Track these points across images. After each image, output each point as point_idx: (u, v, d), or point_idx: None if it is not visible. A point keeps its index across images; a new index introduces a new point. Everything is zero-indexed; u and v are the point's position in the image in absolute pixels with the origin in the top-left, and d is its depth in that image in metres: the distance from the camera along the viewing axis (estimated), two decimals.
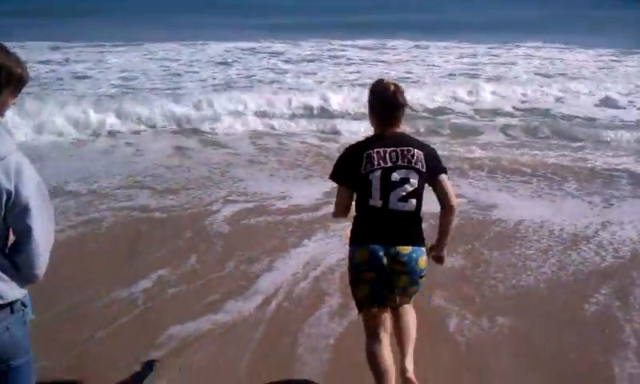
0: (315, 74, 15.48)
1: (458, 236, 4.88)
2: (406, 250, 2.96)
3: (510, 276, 4.91)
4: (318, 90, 12.49)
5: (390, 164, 2.98)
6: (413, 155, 3.01)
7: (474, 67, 17.10)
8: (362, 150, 3.05)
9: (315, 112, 11.24)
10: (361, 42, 21.72)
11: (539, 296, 4.64)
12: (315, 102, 11.51)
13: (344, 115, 11.11)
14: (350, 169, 3.05)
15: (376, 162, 2.98)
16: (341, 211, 3.15)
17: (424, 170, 3.01)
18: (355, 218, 3.11)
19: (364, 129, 8.06)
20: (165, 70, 15.25)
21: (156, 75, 14.51)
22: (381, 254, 2.94)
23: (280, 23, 28.82)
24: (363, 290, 3.05)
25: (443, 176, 3.09)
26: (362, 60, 18.18)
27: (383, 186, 2.96)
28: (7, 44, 1.99)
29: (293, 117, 10.88)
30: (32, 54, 15.38)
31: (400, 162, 2.99)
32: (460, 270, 4.96)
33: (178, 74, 14.79)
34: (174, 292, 4.49)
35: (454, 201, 3.10)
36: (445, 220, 3.12)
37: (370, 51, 20.21)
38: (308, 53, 19.29)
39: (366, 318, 3.08)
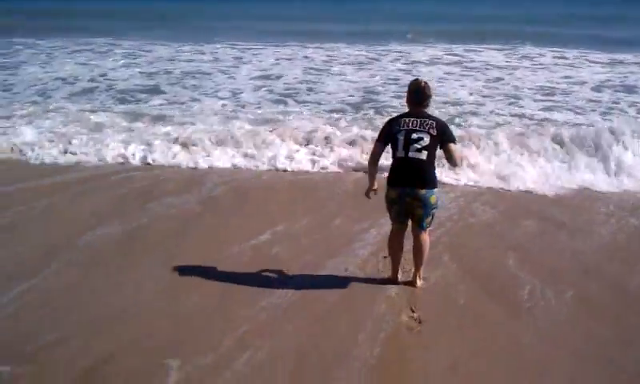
0: None
1: None
2: (422, 191, 4.44)
3: None
4: None
5: (411, 127, 4.47)
6: (427, 124, 4.47)
7: None
8: (394, 119, 4.62)
9: None
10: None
11: None
12: None
13: None
14: (387, 131, 4.59)
15: (402, 126, 4.50)
16: (372, 158, 4.68)
17: (435, 134, 4.45)
18: (391, 165, 4.57)
19: None
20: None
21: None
22: (404, 193, 4.48)
23: None
24: (393, 213, 4.67)
25: (451, 144, 4.51)
26: None
27: (405, 142, 4.43)
28: None
29: None
30: None
31: (418, 127, 4.46)
32: None
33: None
34: None
35: (459, 162, 4.68)
36: (452, 162, 4.61)
37: None
38: None
39: (393, 227, 4.78)
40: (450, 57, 18.47)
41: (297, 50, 19.96)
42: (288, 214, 6.42)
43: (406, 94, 4.71)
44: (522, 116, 10.91)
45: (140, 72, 15.77)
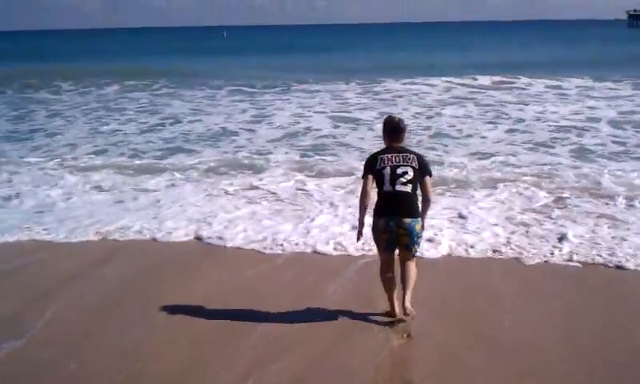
0: None
1: None
2: (407, 220, 4.71)
3: None
4: None
5: (395, 163, 4.75)
6: (409, 158, 4.79)
7: None
8: (377, 155, 4.88)
9: None
10: None
11: None
12: None
13: None
14: (371, 168, 4.82)
15: (386, 163, 4.77)
16: (365, 196, 4.82)
17: (417, 167, 4.76)
18: (376, 201, 4.81)
19: None
20: None
21: None
22: (391, 224, 4.72)
23: None
24: (382, 243, 4.86)
25: (427, 178, 4.82)
26: None
27: (392, 176, 4.71)
28: None
29: None
30: None
31: (402, 162, 4.74)
32: None
33: None
34: None
35: (431, 196, 4.86)
36: (424, 205, 4.85)
37: None
38: None
39: (382, 259, 4.97)
40: None
41: None
42: None
43: (382, 130, 5.03)
44: None
45: None
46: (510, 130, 14.35)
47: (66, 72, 28.83)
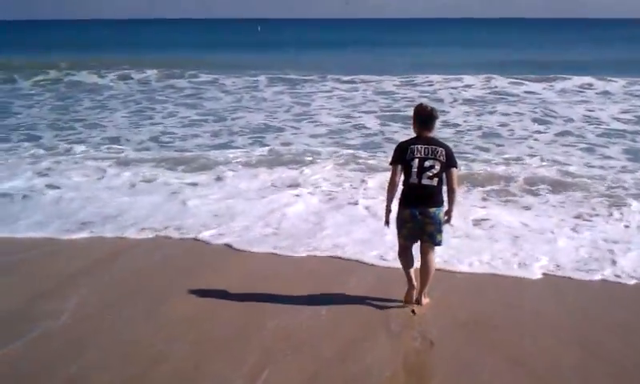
0: None
1: None
2: (432, 209, 4.81)
3: None
4: None
5: (423, 155, 4.77)
6: (438, 151, 4.79)
7: None
8: (407, 144, 4.88)
9: None
10: None
11: None
12: None
13: None
14: (400, 156, 4.85)
15: (415, 154, 4.78)
16: (393, 184, 4.88)
17: (444, 161, 4.78)
18: (402, 190, 4.90)
19: None
20: None
21: None
22: (416, 213, 4.82)
23: None
24: (404, 232, 4.96)
25: (453, 169, 4.83)
26: None
27: (419, 169, 4.75)
28: None
29: None
30: None
31: (430, 155, 4.77)
32: None
33: None
34: None
35: (456, 187, 4.86)
36: (450, 197, 4.88)
37: None
38: None
39: (401, 245, 5.07)
40: None
41: None
42: None
43: (412, 118, 5.01)
44: None
45: None
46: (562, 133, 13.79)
47: (110, 62, 29.23)
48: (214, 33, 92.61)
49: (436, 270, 5.16)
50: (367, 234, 7.01)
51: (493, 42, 58.18)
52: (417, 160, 4.74)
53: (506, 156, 11.26)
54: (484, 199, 8.55)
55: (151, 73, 26.39)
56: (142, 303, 5.40)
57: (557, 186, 9.04)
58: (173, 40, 65.70)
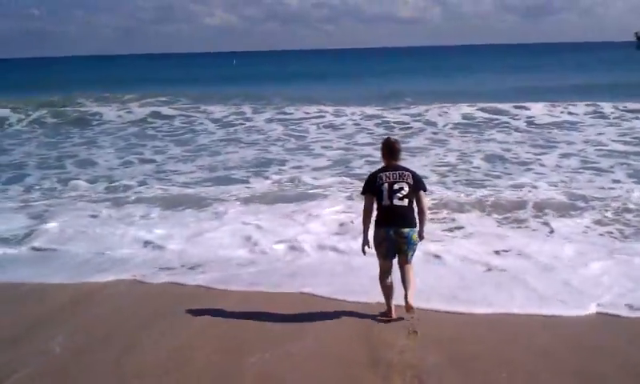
0: None
1: None
2: (405, 230, 5.24)
3: None
4: None
5: (392, 180, 5.30)
6: (405, 175, 5.34)
7: None
8: (376, 174, 5.42)
9: None
10: None
11: None
12: None
13: None
14: (371, 186, 5.38)
15: (384, 180, 5.32)
16: (367, 212, 5.37)
17: (412, 183, 5.32)
18: (377, 214, 5.34)
19: None
20: None
21: None
22: (391, 232, 5.24)
23: None
24: (382, 250, 5.35)
25: (422, 192, 5.37)
26: None
27: (389, 192, 5.25)
28: None
29: None
30: None
31: (398, 179, 5.30)
32: None
33: None
34: None
35: (425, 208, 5.38)
36: (420, 217, 5.35)
37: None
38: None
39: (381, 265, 5.45)
40: None
41: None
42: None
43: (381, 151, 5.60)
44: None
45: None
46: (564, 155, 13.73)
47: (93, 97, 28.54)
48: (187, 67, 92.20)
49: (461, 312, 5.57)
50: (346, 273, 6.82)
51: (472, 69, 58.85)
52: (386, 184, 5.27)
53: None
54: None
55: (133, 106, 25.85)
56: (112, 350, 5.05)
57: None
58: (146, 75, 64.89)
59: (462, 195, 10.11)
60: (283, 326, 5.49)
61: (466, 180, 11.65)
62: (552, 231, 8.15)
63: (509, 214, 8.99)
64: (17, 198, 11.20)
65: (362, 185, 5.58)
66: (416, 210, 5.34)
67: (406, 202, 5.24)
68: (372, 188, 5.38)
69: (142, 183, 12.30)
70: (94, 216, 9.58)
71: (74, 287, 6.65)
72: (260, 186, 11.65)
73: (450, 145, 15.84)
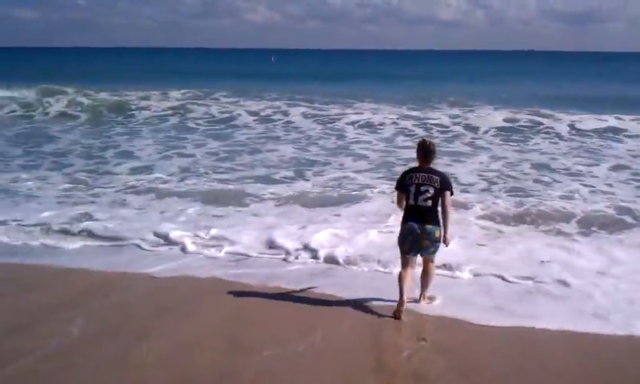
0: None
1: None
2: (428, 226, 5.56)
3: None
4: None
5: (420, 181, 5.64)
6: (433, 179, 5.64)
7: None
8: (408, 173, 5.80)
9: None
10: None
11: None
12: None
13: None
14: (402, 183, 5.79)
15: (413, 180, 5.68)
16: (399, 204, 5.91)
17: (438, 187, 5.60)
18: (404, 210, 5.75)
19: None
20: None
21: None
22: (415, 227, 5.57)
23: None
24: (406, 246, 5.68)
25: (447, 193, 5.62)
26: None
27: (415, 193, 5.62)
28: None
29: None
30: None
31: (426, 182, 5.62)
32: None
33: None
34: None
35: (448, 208, 5.61)
36: (443, 216, 5.61)
37: None
38: None
39: (402, 259, 5.75)
40: None
41: None
42: None
43: (416, 151, 5.86)
44: None
45: None
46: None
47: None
48: (227, 62, 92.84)
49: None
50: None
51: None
52: (414, 186, 5.63)
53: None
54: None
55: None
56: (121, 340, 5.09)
57: None
58: (189, 69, 65.38)
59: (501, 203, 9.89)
60: (292, 325, 5.50)
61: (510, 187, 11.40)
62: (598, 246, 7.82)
63: (554, 225, 8.76)
64: (58, 186, 11.39)
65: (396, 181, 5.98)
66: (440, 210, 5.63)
67: (429, 202, 5.59)
68: (402, 185, 5.78)
69: (182, 178, 12.37)
70: (127, 206, 9.71)
71: (97, 274, 6.74)
72: (298, 185, 11.60)
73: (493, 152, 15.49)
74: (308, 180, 12.20)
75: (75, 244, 7.96)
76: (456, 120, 20.51)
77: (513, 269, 6.86)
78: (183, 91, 27.94)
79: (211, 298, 6.13)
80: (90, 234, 8.28)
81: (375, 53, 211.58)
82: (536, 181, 11.98)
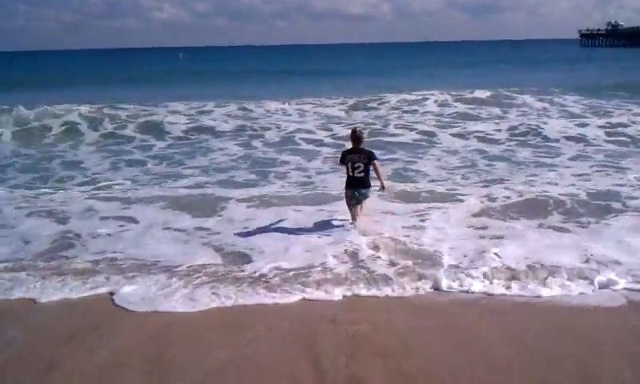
0: None
1: None
2: (363, 190, 8.16)
3: None
4: None
5: (354, 160, 8.13)
6: (362, 157, 8.12)
7: None
8: (346, 153, 8.31)
9: None
10: None
11: None
12: None
13: None
14: (343, 159, 8.32)
15: (348, 159, 8.19)
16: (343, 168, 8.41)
17: (366, 161, 8.09)
18: (345, 179, 8.27)
19: None
20: None
21: None
22: (355, 192, 8.19)
23: None
24: (348, 201, 8.32)
25: (374, 160, 8.14)
26: None
27: (351, 167, 8.13)
28: None
29: None
30: None
31: (357, 159, 8.11)
32: None
33: None
34: None
35: (379, 169, 8.21)
36: (377, 174, 8.14)
37: None
38: None
39: (348, 206, 8.38)
40: None
41: None
42: None
43: (349, 136, 8.46)
44: None
45: None
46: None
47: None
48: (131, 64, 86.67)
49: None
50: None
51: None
52: (350, 163, 8.12)
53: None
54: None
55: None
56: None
57: None
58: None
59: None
60: (219, 337, 5.23)
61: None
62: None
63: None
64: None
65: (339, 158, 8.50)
66: (373, 174, 8.14)
67: (362, 173, 8.08)
68: (342, 161, 8.28)
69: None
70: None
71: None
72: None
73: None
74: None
75: None
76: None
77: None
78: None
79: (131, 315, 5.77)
80: None
81: (286, 48, 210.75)
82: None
